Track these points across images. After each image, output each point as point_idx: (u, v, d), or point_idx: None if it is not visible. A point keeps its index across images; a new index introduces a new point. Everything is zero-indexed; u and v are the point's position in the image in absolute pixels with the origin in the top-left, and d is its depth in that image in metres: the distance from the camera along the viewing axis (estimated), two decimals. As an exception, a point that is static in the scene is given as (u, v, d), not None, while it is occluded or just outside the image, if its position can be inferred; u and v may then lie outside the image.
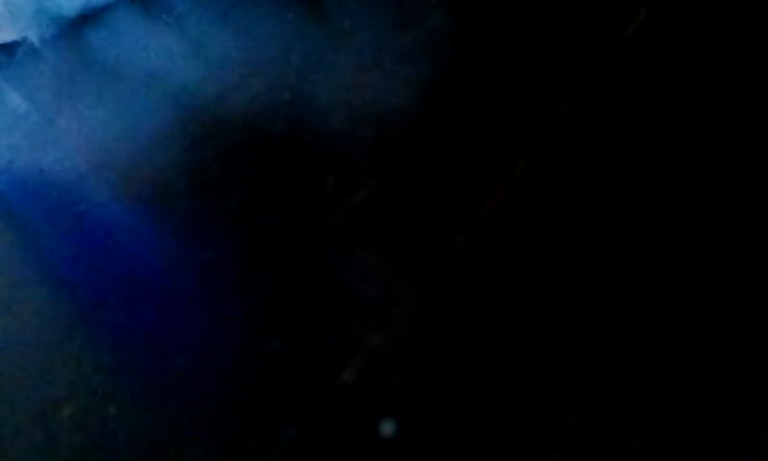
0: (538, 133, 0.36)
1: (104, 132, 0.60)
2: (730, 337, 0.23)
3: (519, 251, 0.30)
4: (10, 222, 0.55)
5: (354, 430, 0.26)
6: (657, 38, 0.39)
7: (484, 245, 0.31)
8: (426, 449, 0.24)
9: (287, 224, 0.39)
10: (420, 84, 0.45)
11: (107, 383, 0.33)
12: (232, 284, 0.36)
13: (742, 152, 0.30)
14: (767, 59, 0.34)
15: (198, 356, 0.32)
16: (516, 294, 0.28)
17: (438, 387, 0.26)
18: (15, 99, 0.78)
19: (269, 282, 0.35)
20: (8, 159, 0.63)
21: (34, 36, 0.89)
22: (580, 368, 0.24)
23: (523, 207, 0.32)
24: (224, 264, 0.38)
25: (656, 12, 0.41)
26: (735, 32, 0.37)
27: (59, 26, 0.90)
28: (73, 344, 0.37)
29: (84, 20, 0.90)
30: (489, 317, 0.28)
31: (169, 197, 0.46)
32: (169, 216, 0.44)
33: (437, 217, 0.34)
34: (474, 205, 0.33)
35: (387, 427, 0.25)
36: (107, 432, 0.31)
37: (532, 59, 0.42)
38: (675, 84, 0.35)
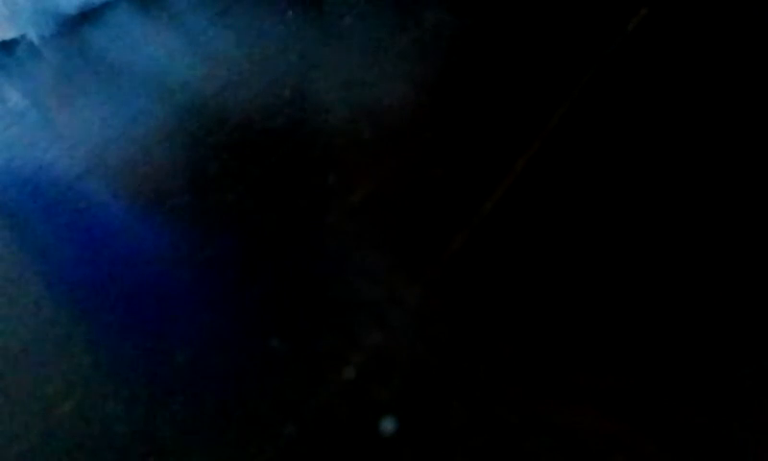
0: (538, 131, 0.36)
1: (103, 130, 0.59)
2: (732, 335, 0.23)
3: (519, 248, 0.30)
4: (8, 220, 0.55)
5: (354, 428, 0.26)
6: (657, 37, 0.39)
7: (484, 243, 0.31)
8: (427, 447, 0.24)
9: (287, 222, 0.38)
10: (420, 81, 0.45)
11: (106, 382, 0.33)
12: (232, 282, 0.36)
13: (743, 150, 0.30)
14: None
15: (197, 354, 0.32)
16: (516, 291, 0.28)
17: (438, 384, 0.26)
18: (14, 97, 0.78)
19: (268, 280, 0.35)
20: (7, 157, 0.63)
21: (33, 34, 0.89)
22: (581, 365, 0.24)
23: (523, 205, 0.32)
24: (223, 262, 0.38)
25: (657, 10, 0.41)
26: (736, 31, 0.37)
27: (58, 24, 0.90)
28: (73, 342, 0.37)
29: (84, 18, 0.90)
30: (488, 314, 0.28)
31: (168, 195, 0.46)
32: (168, 214, 0.44)
33: (437, 215, 0.34)
34: (474, 202, 0.33)
35: (387, 425, 0.25)
36: (106, 431, 0.31)
37: (532, 56, 0.42)
38: (676, 83, 0.35)
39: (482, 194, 0.33)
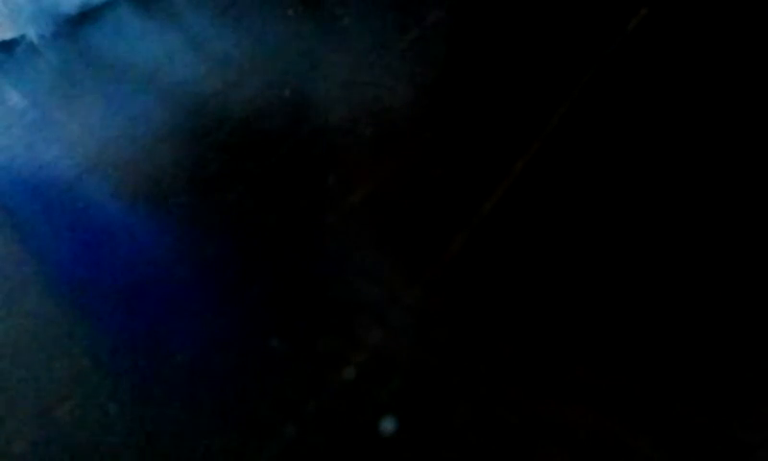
0: (538, 131, 0.36)
1: (103, 129, 0.59)
2: (732, 335, 0.23)
3: (519, 249, 0.30)
4: (8, 220, 0.55)
5: (354, 428, 0.26)
6: (658, 37, 0.39)
7: (484, 243, 0.31)
8: (427, 447, 0.24)
9: (287, 222, 0.38)
10: (421, 81, 0.45)
11: (106, 382, 0.33)
12: (231, 282, 0.36)
13: (744, 150, 0.30)
14: (768, 56, 0.34)
15: (197, 355, 0.32)
16: (516, 291, 0.28)
17: (438, 384, 0.26)
18: (14, 97, 0.78)
19: (268, 280, 0.35)
20: (6, 157, 0.63)
21: (32, 34, 0.88)
22: (582, 365, 0.24)
23: (523, 206, 0.32)
24: (223, 262, 0.38)
25: (657, 10, 0.41)
26: (737, 31, 0.37)
27: (57, 24, 0.90)
28: (72, 342, 0.37)
29: (83, 18, 0.90)
30: (488, 315, 0.28)
31: (168, 195, 0.46)
32: (168, 214, 0.44)
33: (437, 215, 0.34)
34: (474, 203, 0.33)
35: (387, 425, 0.25)
36: (106, 431, 0.31)
37: (532, 56, 0.42)
38: (676, 83, 0.35)
39: (482, 194, 0.33)
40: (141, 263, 0.41)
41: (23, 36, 0.89)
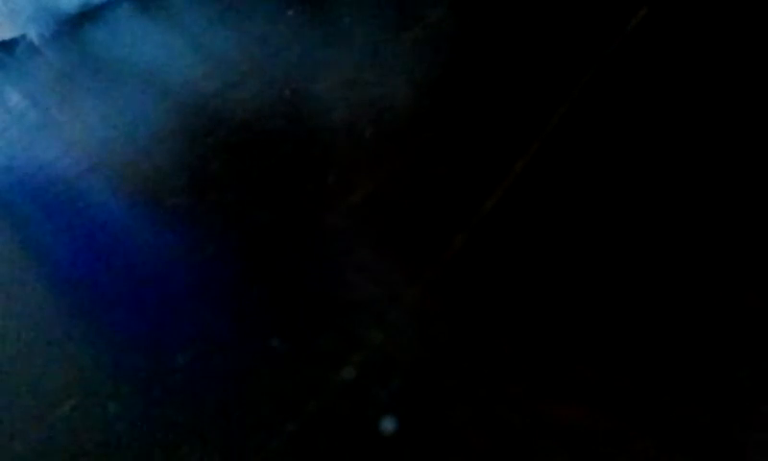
0: (538, 131, 0.36)
1: (103, 129, 0.59)
2: (731, 333, 0.23)
3: (519, 248, 0.30)
4: (9, 219, 0.55)
5: (354, 427, 0.26)
6: (657, 37, 0.39)
7: (484, 242, 0.31)
8: (427, 447, 0.24)
9: (287, 221, 0.38)
10: (420, 81, 0.45)
11: (106, 382, 0.33)
12: (232, 282, 0.36)
13: (743, 150, 0.30)
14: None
15: (197, 354, 0.32)
16: (516, 291, 0.28)
17: (438, 384, 0.26)
18: (15, 96, 0.78)
19: (268, 280, 0.35)
20: (7, 156, 0.63)
21: (33, 34, 0.88)
22: (582, 364, 0.24)
23: (523, 205, 0.32)
24: (223, 261, 0.38)
25: (656, 10, 0.41)
26: (736, 30, 0.37)
27: (58, 23, 0.90)
28: (73, 342, 0.37)
29: (84, 18, 0.90)
30: (488, 314, 0.28)
31: (168, 194, 0.46)
32: (168, 213, 0.44)
33: (437, 214, 0.34)
34: (474, 202, 0.33)
35: (387, 424, 0.25)
36: (106, 430, 0.31)
37: (533, 56, 0.42)
38: (675, 83, 0.35)
39: (482, 194, 0.33)
40: (141, 263, 0.41)
41: (23, 36, 0.89)
